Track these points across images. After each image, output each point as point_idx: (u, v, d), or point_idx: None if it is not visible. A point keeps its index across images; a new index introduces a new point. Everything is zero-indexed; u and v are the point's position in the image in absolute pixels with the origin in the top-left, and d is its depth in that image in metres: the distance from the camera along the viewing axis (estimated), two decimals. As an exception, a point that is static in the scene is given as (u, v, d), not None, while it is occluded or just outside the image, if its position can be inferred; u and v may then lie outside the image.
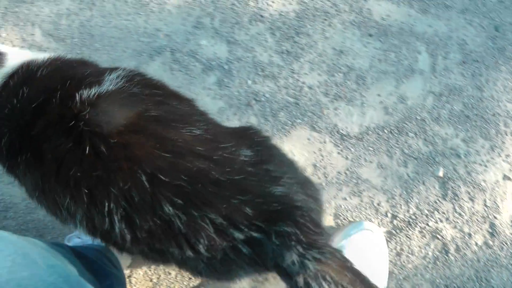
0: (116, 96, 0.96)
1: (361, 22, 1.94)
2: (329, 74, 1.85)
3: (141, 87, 0.99)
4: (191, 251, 0.88)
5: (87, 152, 0.87)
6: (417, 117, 1.82)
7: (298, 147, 1.76)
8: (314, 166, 1.74)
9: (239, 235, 0.86)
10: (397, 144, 1.78)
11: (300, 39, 1.90)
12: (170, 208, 0.85)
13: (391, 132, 1.79)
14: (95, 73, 1.01)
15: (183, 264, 0.95)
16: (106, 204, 0.87)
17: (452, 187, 1.73)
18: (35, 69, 1.05)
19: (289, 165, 1.06)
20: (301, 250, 0.89)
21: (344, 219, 1.68)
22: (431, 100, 1.84)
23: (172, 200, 0.85)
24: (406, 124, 1.81)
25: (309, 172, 1.75)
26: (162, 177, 0.86)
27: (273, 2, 1.95)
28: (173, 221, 0.86)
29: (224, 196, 0.87)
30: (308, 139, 1.78)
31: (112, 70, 1.02)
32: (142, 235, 0.89)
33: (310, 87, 1.83)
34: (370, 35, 1.93)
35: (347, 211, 1.70)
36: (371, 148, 1.78)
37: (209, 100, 1.79)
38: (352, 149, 1.78)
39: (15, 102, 1.05)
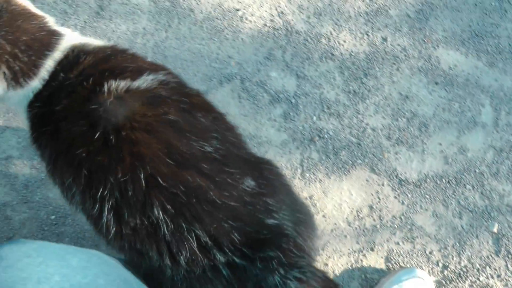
0: (142, 93, 1.08)
1: (429, 70, 2.24)
2: (393, 118, 2.15)
3: (171, 91, 1.12)
4: (170, 260, 0.99)
5: (96, 136, 1.01)
6: (476, 170, 2.10)
7: (356, 187, 2.05)
8: (370, 207, 2.03)
9: (221, 258, 0.98)
10: (454, 195, 2.06)
11: (367, 81, 2.20)
12: (161, 213, 0.97)
13: (449, 182, 2.08)
14: (136, 70, 1.15)
15: (157, 271, 1.03)
16: (101, 189, 1.00)
17: (505, 244, 2.00)
18: (82, 54, 1.20)
19: (289, 205, 1.15)
20: (282, 272, 1.05)
21: (395, 263, 1.96)
22: (491, 155, 2.13)
23: (164, 206, 0.98)
24: (465, 176, 2.09)
25: (364, 213, 2.04)
26: (161, 181, 0.98)
27: (344, 41, 2.26)
28: (160, 226, 0.97)
29: (216, 218, 1.00)
30: (367, 180, 2.07)
31: (153, 71, 1.15)
32: (126, 231, 1.01)
33: (373, 129, 2.13)
34: (436, 83, 2.23)
35: (399, 256, 1.98)
36: (427, 196, 2.06)
37: (273, 132, 2.10)
38: (409, 195, 2.06)
39: (55, 83, 1.19)
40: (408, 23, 2.25)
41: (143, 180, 0.98)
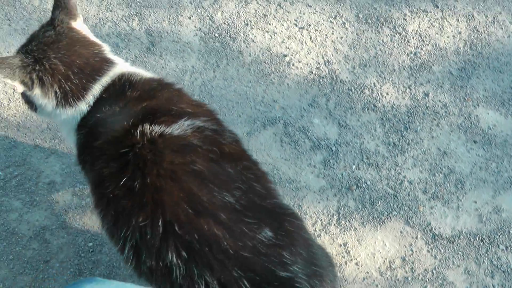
0: (174, 140, 1.26)
1: (468, 128, 2.72)
2: (430, 172, 2.61)
3: (204, 140, 1.30)
4: None
5: (122, 181, 1.24)
6: (510, 231, 2.54)
7: (390, 238, 2.49)
8: (403, 259, 2.46)
9: None
10: (487, 253, 2.50)
11: (407, 134, 2.67)
12: (174, 258, 1.17)
13: (482, 241, 2.51)
14: (177, 114, 1.35)
15: None
16: (124, 230, 1.23)
17: (535, 306, 2.42)
18: (127, 87, 1.45)
19: (305, 257, 1.29)
20: None
21: (425, 316, 2.38)
22: (526, 217, 2.57)
23: (178, 251, 1.17)
24: (498, 235, 2.53)
25: (397, 264, 2.47)
26: (177, 229, 1.17)
27: (387, 94, 2.75)
28: (173, 269, 1.18)
29: (226, 266, 1.16)
30: (401, 232, 2.51)
31: (193, 116, 1.35)
32: (143, 269, 1.24)
33: (410, 182, 2.58)
34: (475, 142, 2.70)
35: (429, 309, 2.39)
36: (460, 253, 2.49)
37: (312, 178, 2.56)
38: (442, 250, 2.49)
39: (106, 111, 1.43)
40: (450, 80, 2.74)
41: (160, 226, 1.19)
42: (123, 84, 1.49)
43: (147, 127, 1.30)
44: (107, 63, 1.57)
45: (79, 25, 1.60)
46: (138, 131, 1.30)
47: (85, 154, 1.48)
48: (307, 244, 1.35)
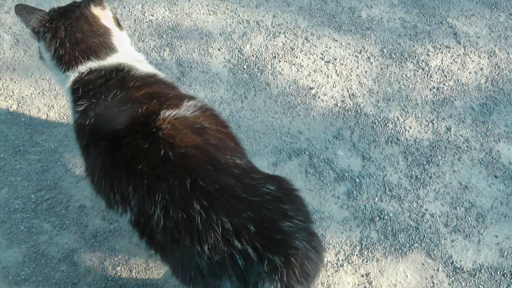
0: (191, 123, 1.60)
1: (489, 163, 2.80)
2: (451, 206, 2.69)
3: (210, 123, 1.65)
4: (199, 247, 1.43)
5: (161, 153, 1.51)
6: None
7: (411, 270, 2.56)
8: None
9: (238, 245, 1.39)
10: None
11: (429, 168, 2.76)
12: (197, 206, 1.45)
13: (503, 275, 2.58)
14: (177, 97, 1.70)
15: (187, 260, 1.50)
16: (157, 194, 1.50)
17: None
18: (130, 79, 1.77)
19: (305, 214, 1.58)
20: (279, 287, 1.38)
21: None
22: (547, 252, 2.63)
23: (201, 201, 1.45)
24: None
25: None
26: (201, 182, 1.47)
27: (410, 127, 2.84)
28: (195, 217, 1.44)
29: (239, 209, 1.44)
30: (422, 264, 2.58)
31: (190, 98, 1.70)
32: (170, 224, 1.48)
33: (432, 215, 2.66)
34: (496, 177, 2.78)
35: None
36: (481, 286, 2.56)
37: (336, 208, 2.64)
38: (463, 283, 2.56)
39: (108, 97, 1.72)
40: (472, 116, 2.83)
41: (188, 185, 1.47)
42: (126, 75, 1.81)
43: (165, 112, 1.60)
44: (105, 48, 1.89)
45: (100, 12, 1.93)
46: (160, 117, 1.59)
47: (98, 137, 1.70)
48: (304, 205, 1.64)
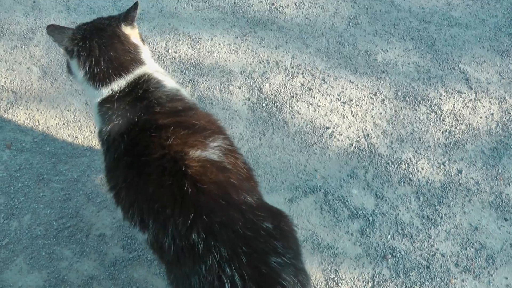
0: (216, 164, 1.74)
1: (499, 205, 2.91)
2: (462, 246, 2.79)
3: (232, 166, 1.78)
4: (199, 267, 1.58)
5: (183, 190, 1.65)
6: None
7: None
8: None
9: (228, 271, 1.53)
10: None
11: (441, 208, 2.87)
12: (196, 237, 1.60)
13: None
14: (201, 130, 1.82)
15: (186, 277, 1.65)
16: (169, 227, 1.66)
17: None
18: (157, 99, 1.92)
19: (295, 252, 1.71)
20: None
21: None
22: (555, 295, 2.72)
23: (199, 232, 1.61)
24: None
25: None
26: (205, 217, 1.61)
27: (422, 169, 2.96)
28: (195, 245, 1.60)
29: (234, 243, 1.58)
30: None
31: (213, 136, 1.82)
32: (176, 248, 1.65)
33: (442, 255, 2.76)
34: (506, 219, 2.88)
35: None
36: None
37: (349, 245, 2.75)
38: None
39: (135, 116, 1.86)
40: (483, 159, 2.95)
41: (190, 220, 1.62)
42: (153, 92, 1.95)
43: (193, 152, 1.74)
44: (136, 63, 2.01)
45: (130, 31, 2.05)
46: (188, 156, 1.73)
47: (122, 156, 1.85)
48: (296, 244, 1.78)
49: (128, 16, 2.03)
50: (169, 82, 2.08)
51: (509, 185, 2.70)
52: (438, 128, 2.87)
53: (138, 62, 2.00)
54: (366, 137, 2.80)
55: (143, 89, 1.93)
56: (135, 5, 2.01)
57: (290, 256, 1.66)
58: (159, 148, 1.75)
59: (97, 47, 1.95)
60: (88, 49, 1.95)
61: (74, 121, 2.88)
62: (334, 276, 2.42)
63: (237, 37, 3.22)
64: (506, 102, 2.98)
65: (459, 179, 2.72)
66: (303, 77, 3.05)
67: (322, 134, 2.81)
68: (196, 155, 1.73)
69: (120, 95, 1.93)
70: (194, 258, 1.63)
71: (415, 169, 2.73)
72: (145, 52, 2.07)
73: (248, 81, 3.02)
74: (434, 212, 2.63)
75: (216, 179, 1.71)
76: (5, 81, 3.02)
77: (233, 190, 1.72)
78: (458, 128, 2.87)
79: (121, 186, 1.82)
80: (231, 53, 3.14)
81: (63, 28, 1.98)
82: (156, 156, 1.74)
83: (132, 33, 2.05)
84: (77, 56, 1.96)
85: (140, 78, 1.96)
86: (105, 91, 1.95)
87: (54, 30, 1.96)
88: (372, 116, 2.89)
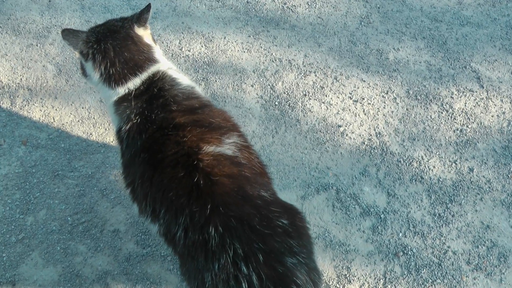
0: (230, 159, 1.75)
1: (511, 204, 2.91)
2: (473, 244, 2.80)
3: (246, 160, 1.81)
4: (211, 264, 1.58)
5: (194, 181, 1.67)
6: None
7: None
8: None
9: (244, 269, 1.53)
10: None
11: (452, 206, 2.88)
12: (212, 231, 1.60)
13: None
14: (217, 129, 1.83)
15: (198, 273, 1.66)
16: (181, 217, 1.67)
17: None
18: (173, 97, 1.93)
19: (308, 251, 1.72)
20: None
21: None
22: None
23: (216, 226, 1.60)
24: None
25: None
26: (221, 209, 1.61)
27: (434, 167, 2.98)
28: (209, 240, 1.60)
29: (251, 239, 1.58)
30: None
31: (228, 133, 1.84)
32: (189, 243, 1.65)
33: (454, 253, 2.77)
34: None
35: None
36: None
37: (361, 242, 2.77)
38: None
39: (152, 114, 1.88)
40: (494, 158, 2.97)
41: (208, 210, 1.62)
42: (170, 91, 1.96)
43: (208, 147, 1.75)
44: (150, 61, 2.03)
45: (143, 32, 2.08)
46: (202, 151, 1.74)
47: (140, 152, 1.87)
48: (310, 242, 1.79)
49: (141, 18, 2.06)
50: (184, 79, 2.10)
51: (521, 183, 2.71)
52: (449, 126, 2.89)
53: (152, 60, 2.03)
54: (378, 135, 2.83)
55: (158, 87, 1.95)
56: (148, 7, 2.05)
57: (304, 256, 1.67)
58: (175, 145, 1.77)
59: (111, 49, 1.99)
60: (103, 51, 1.99)
61: (89, 118, 2.92)
62: (346, 272, 2.45)
63: (250, 36, 3.25)
64: (517, 101, 2.99)
65: (471, 177, 2.74)
66: (315, 75, 3.07)
67: (334, 132, 2.84)
68: (210, 150, 1.75)
69: (136, 93, 1.95)
70: (207, 254, 1.62)
71: (426, 167, 2.75)
72: (158, 52, 2.09)
73: (261, 80, 3.04)
74: (446, 210, 2.65)
75: (229, 172, 1.71)
76: (21, 79, 3.06)
77: (248, 184, 1.73)
78: (469, 126, 2.89)
79: (137, 182, 1.85)
80: (244, 52, 3.17)
81: (77, 32, 2.01)
82: (172, 152, 1.76)
83: (144, 34, 2.08)
84: (92, 58, 2.00)
85: (154, 76, 1.98)
86: (121, 90, 1.98)
87: (68, 34, 1.99)
88: (384, 115, 2.92)
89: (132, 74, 1.97)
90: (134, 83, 1.97)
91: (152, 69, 2.01)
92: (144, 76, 1.98)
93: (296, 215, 1.80)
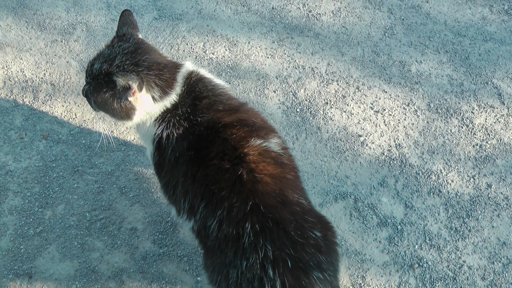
0: (275, 156, 1.75)
1: None
2: (489, 260, 2.83)
3: (288, 161, 1.81)
4: (239, 262, 1.59)
5: (238, 174, 1.66)
6: None
7: None
8: None
9: (271, 274, 1.54)
10: None
11: (469, 221, 2.92)
12: (248, 228, 1.61)
13: None
14: (261, 129, 1.84)
15: (224, 268, 1.68)
16: (219, 210, 1.66)
17: None
18: (217, 96, 1.93)
19: (335, 269, 1.71)
20: None
21: None
22: None
23: (254, 224, 1.60)
24: None
25: None
26: (262, 208, 1.61)
27: (452, 181, 3.01)
28: (243, 236, 1.60)
29: (283, 244, 1.58)
30: None
31: (272, 135, 1.84)
32: (220, 235, 1.66)
33: (469, 267, 2.81)
34: None
35: None
36: None
37: (377, 252, 2.81)
38: None
39: (197, 115, 1.84)
40: (513, 175, 2.99)
41: (248, 206, 1.62)
42: (194, 83, 1.93)
43: (255, 140, 1.76)
44: (175, 62, 1.98)
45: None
46: (249, 144, 1.75)
47: (187, 150, 1.84)
48: (337, 259, 1.79)
49: (134, 24, 1.95)
50: (216, 79, 2.12)
51: (539, 202, 2.74)
52: (469, 141, 2.93)
53: (178, 64, 1.97)
54: (398, 146, 2.87)
55: (198, 88, 1.91)
56: (125, 11, 1.98)
57: (331, 273, 1.68)
58: (222, 141, 1.77)
59: (151, 63, 1.88)
60: (147, 70, 1.87)
61: (111, 116, 2.95)
62: (361, 281, 2.49)
63: (274, 42, 3.30)
64: (538, 119, 3.02)
65: (489, 193, 2.77)
66: (338, 84, 3.12)
67: (354, 142, 2.88)
68: (257, 143, 1.75)
69: (180, 97, 1.90)
70: (237, 250, 1.63)
71: (445, 180, 2.79)
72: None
73: (283, 86, 3.09)
74: (463, 224, 2.68)
75: (273, 171, 1.72)
76: (45, 74, 3.12)
77: (289, 188, 1.74)
78: (489, 142, 2.93)
79: (180, 181, 1.84)
80: (268, 57, 3.22)
81: (126, 75, 1.80)
82: (219, 147, 1.77)
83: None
84: (146, 82, 1.85)
85: (189, 78, 1.93)
86: (167, 102, 1.91)
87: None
88: (404, 126, 2.96)
89: (176, 72, 1.91)
90: (178, 88, 1.89)
91: (183, 71, 2.02)
92: (181, 79, 1.91)
93: (329, 229, 1.82)
